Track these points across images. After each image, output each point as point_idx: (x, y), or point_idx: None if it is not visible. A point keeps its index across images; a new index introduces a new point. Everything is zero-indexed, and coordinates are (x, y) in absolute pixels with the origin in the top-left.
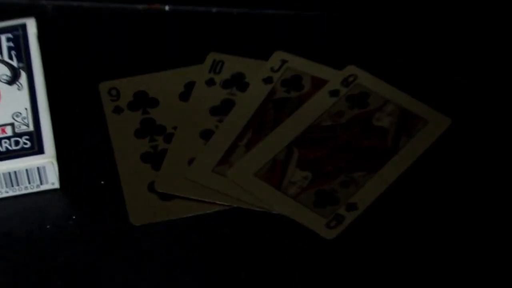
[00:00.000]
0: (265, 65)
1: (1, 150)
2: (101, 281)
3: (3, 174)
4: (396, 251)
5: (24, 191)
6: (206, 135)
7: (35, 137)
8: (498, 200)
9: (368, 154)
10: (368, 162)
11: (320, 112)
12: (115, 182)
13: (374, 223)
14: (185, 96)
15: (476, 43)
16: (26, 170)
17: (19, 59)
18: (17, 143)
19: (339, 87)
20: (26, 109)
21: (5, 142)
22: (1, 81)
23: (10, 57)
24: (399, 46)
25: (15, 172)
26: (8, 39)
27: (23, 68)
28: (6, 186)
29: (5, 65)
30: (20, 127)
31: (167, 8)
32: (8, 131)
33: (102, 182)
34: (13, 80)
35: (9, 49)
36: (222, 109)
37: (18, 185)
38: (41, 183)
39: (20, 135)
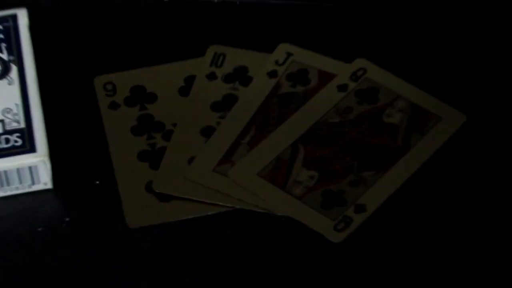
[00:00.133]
0: (269, 58)
1: None
2: None
3: None
4: (406, 256)
5: (15, 192)
6: (207, 132)
7: (27, 134)
8: None
9: (378, 152)
10: (378, 161)
11: (327, 108)
12: (111, 182)
13: (383, 226)
14: (184, 91)
15: (476, 43)
16: (17, 170)
17: (9, 52)
18: (7, 141)
19: (348, 81)
20: (17, 105)
21: None
22: None
23: (0, 50)
24: (399, 46)
25: (5, 172)
26: None
27: (13, 62)
28: None
29: None
30: (10, 124)
31: None
32: None
33: (97, 182)
34: (3, 74)
35: None
36: (224, 104)
37: (8, 185)
38: (33, 183)
39: (11, 132)
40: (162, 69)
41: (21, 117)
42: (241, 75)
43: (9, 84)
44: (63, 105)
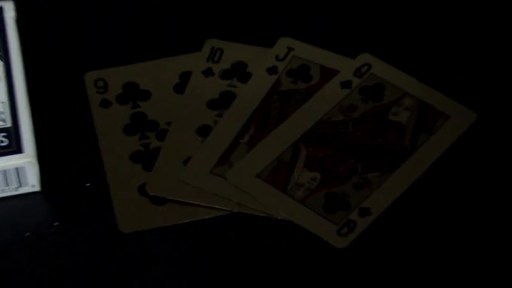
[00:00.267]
0: (269, 53)
1: None
2: None
3: None
4: (413, 263)
5: (0, 195)
6: (204, 131)
7: (13, 134)
8: None
9: (383, 153)
10: (383, 162)
11: (330, 106)
12: (102, 185)
13: (389, 231)
14: (180, 88)
15: (476, 43)
16: (3, 171)
17: None
18: None
19: (352, 77)
20: (2, 102)
21: None
22: None
23: None
24: (398, 46)
25: None
26: None
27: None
28: None
29: None
30: None
31: None
32: None
33: (88, 185)
34: None
35: None
36: (221, 102)
37: None
38: (20, 185)
39: None
40: (156, 65)
41: (7, 115)
42: (239, 71)
43: None
44: (52, 103)
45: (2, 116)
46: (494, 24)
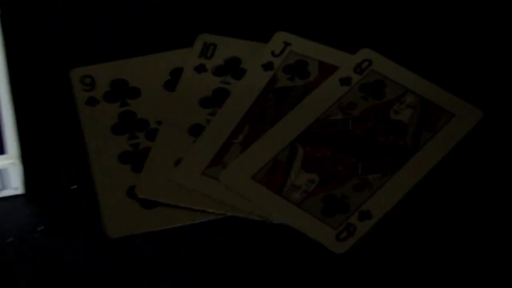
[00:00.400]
0: (264, 48)
1: None
2: None
3: None
4: (415, 268)
5: None
6: (196, 131)
7: None
8: None
9: (385, 152)
10: (385, 162)
11: (329, 104)
12: (89, 187)
13: (390, 235)
14: (171, 85)
15: (476, 43)
16: None
17: None
18: None
19: (351, 74)
20: None
21: None
22: None
23: None
24: (399, 42)
25: None
26: None
27: None
28: None
29: None
30: None
31: None
32: None
33: (74, 187)
34: None
35: None
36: (214, 100)
37: None
38: (3, 187)
39: None
40: (145, 61)
41: None
42: (233, 67)
43: None
44: (36, 101)
45: None
46: (494, 24)
